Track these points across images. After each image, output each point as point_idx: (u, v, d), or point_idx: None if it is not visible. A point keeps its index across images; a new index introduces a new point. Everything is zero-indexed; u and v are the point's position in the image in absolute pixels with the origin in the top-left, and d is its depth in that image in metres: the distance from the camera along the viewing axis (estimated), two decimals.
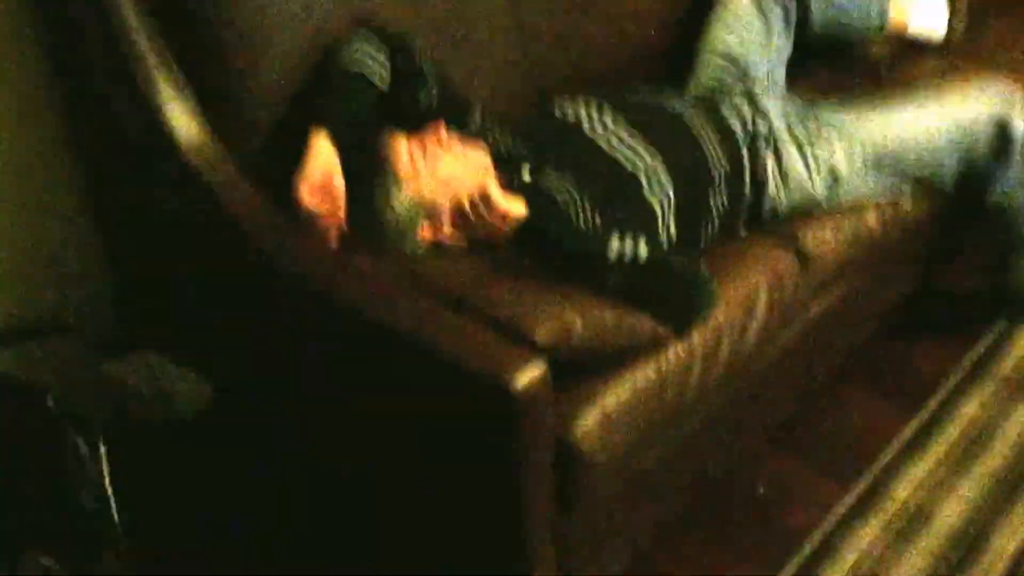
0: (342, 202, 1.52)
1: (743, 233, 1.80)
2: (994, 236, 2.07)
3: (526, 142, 1.71)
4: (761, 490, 1.92)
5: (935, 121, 1.92)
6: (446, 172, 1.57)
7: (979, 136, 1.91)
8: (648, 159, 1.70)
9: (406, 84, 1.65)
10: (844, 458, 1.99)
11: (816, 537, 1.83)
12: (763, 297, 1.67)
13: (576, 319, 1.43)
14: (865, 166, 1.87)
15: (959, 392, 2.13)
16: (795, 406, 1.98)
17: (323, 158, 1.52)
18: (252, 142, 1.61)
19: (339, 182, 1.52)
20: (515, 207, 1.56)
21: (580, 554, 1.56)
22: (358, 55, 1.61)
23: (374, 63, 1.61)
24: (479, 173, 1.60)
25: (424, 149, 1.57)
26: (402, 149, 1.57)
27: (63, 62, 1.67)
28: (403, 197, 1.55)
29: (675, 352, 1.55)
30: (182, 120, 1.55)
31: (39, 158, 1.72)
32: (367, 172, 1.56)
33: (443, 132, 1.58)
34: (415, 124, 1.61)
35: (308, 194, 1.49)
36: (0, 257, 1.73)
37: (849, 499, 1.90)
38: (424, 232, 1.58)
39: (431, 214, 1.57)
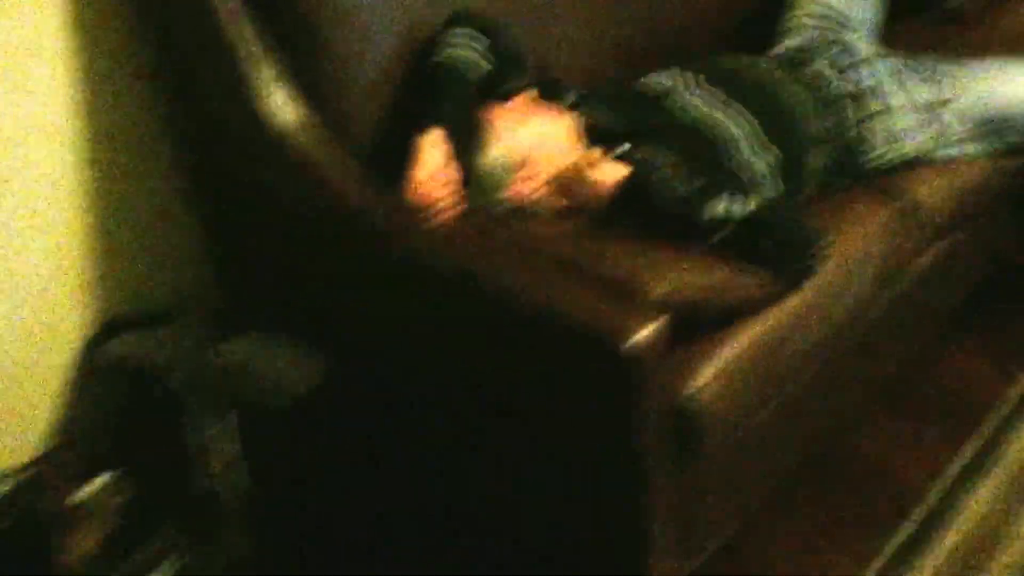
0: (459, 188, 1.54)
1: (847, 184, 1.77)
2: None
3: (620, 115, 1.71)
4: (870, 445, 1.90)
5: None
6: (535, 130, 1.59)
7: None
8: (744, 123, 1.69)
9: (504, 68, 1.67)
10: (952, 416, 1.97)
11: (933, 495, 1.81)
12: (873, 249, 1.65)
13: (689, 275, 1.43)
14: (974, 122, 1.83)
15: None
16: (902, 364, 1.96)
17: (433, 152, 1.54)
18: (354, 132, 1.62)
19: (452, 169, 1.54)
20: (617, 169, 1.56)
21: (697, 513, 1.56)
22: (459, 44, 1.63)
23: (474, 51, 1.63)
24: (570, 134, 1.62)
25: (515, 109, 1.60)
26: (496, 112, 1.60)
27: (162, 54, 1.71)
28: (493, 151, 1.57)
29: (788, 308, 1.53)
30: (285, 105, 1.57)
31: (141, 154, 1.77)
32: (470, 143, 1.57)
33: (533, 95, 1.61)
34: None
35: (425, 186, 1.51)
36: (110, 250, 1.78)
37: (963, 457, 1.87)
38: (517, 187, 1.58)
39: (523, 167, 1.58)
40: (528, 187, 1.58)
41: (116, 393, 1.79)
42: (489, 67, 1.64)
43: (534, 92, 1.62)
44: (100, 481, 1.72)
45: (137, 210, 1.80)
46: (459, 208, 1.55)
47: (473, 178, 1.57)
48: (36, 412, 1.76)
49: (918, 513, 1.78)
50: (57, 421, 1.78)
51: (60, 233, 1.71)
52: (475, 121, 1.59)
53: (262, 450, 1.69)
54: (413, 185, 1.51)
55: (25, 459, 1.72)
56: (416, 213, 1.51)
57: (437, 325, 1.53)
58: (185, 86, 1.71)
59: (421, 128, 1.55)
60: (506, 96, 1.64)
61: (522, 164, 1.57)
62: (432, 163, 1.52)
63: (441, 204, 1.52)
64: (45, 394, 1.76)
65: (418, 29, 1.66)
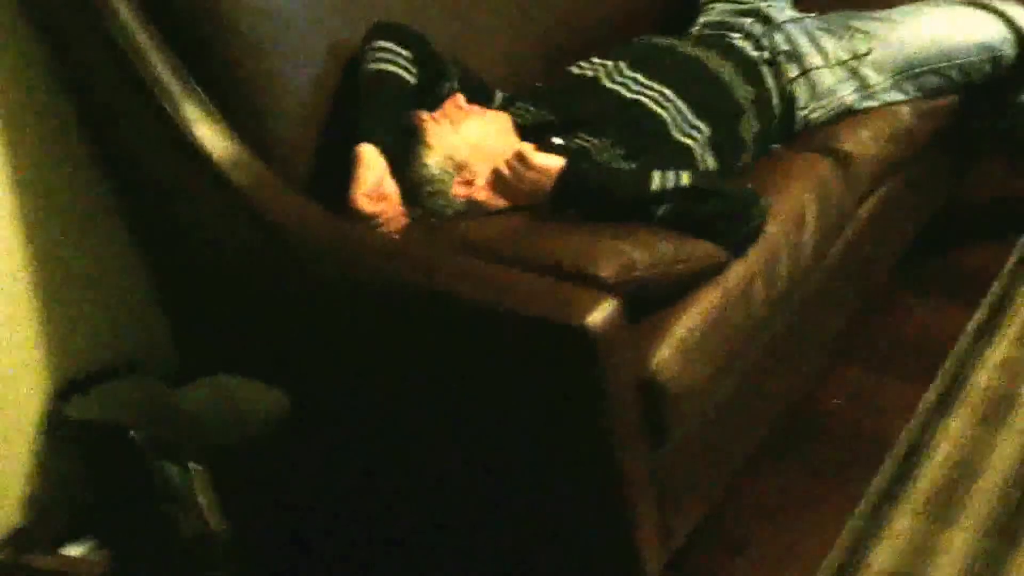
0: (398, 199, 1.55)
1: (777, 148, 1.80)
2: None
3: (548, 107, 1.73)
4: (836, 401, 1.93)
5: (966, 22, 1.92)
6: (469, 131, 1.61)
7: (1007, 38, 1.91)
8: (671, 99, 1.71)
9: (429, 76, 1.68)
10: (913, 360, 2.00)
11: (904, 438, 1.83)
12: (812, 206, 1.67)
13: (636, 252, 1.44)
14: (892, 71, 1.87)
15: (1017, 278, 2.13)
16: (857, 315, 1.98)
17: (371, 165, 1.54)
18: (285, 157, 1.62)
19: (390, 183, 1.55)
20: (552, 160, 1.57)
21: (676, 487, 1.56)
22: (382, 59, 1.63)
23: (398, 64, 1.64)
24: (503, 132, 1.64)
25: (446, 115, 1.61)
26: (427, 118, 1.61)
27: (83, 106, 1.70)
28: (432, 155, 1.58)
29: (735, 273, 1.55)
30: (212, 139, 1.56)
31: (81, 210, 1.75)
32: (406, 153, 1.58)
33: (461, 99, 1.62)
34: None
35: (366, 202, 1.52)
36: (65, 310, 1.76)
37: (930, 396, 1.90)
38: (458, 189, 1.60)
39: (462, 170, 1.59)
40: (468, 189, 1.59)
41: (81, 453, 1.77)
42: (414, 78, 1.65)
43: (461, 97, 1.63)
44: (77, 550, 1.71)
45: (84, 268, 1.77)
46: (402, 220, 1.56)
47: (413, 187, 1.58)
48: (10, 481, 1.73)
49: (894, 455, 1.80)
50: (27, 490, 1.75)
51: (7, 296, 1.68)
52: (408, 131, 1.60)
53: (236, 490, 1.67)
54: (353, 202, 1.51)
55: (7, 530, 1.69)
56: (360, 228, 1.51)
57: (393, 338, 1.53)
58: (113, 135, 1.70)
59: (354, 145, 1.55)
60: (435, 104, 1.65)
61: (460, 167, 1.59)
62: (370, 179, 1.53)
63: (383, 218, 1.53)
64: (17, 462, 1.73)
65: (338, 47, 1.67)
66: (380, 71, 1.62)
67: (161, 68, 1.53)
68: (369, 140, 1.55)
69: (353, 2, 1.71)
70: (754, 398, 1.69)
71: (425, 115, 1.61)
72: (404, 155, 1.59)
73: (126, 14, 1.52)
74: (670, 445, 1.49)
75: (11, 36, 1.61)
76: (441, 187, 1.58)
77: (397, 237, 1.55)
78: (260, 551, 1.72)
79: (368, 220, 1.52)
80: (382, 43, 1.65)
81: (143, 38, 1.53)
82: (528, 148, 1.57)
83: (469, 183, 1.60)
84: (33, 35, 1.63)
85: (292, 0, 1.64)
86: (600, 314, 1.31)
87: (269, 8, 1.61)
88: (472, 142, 1.60)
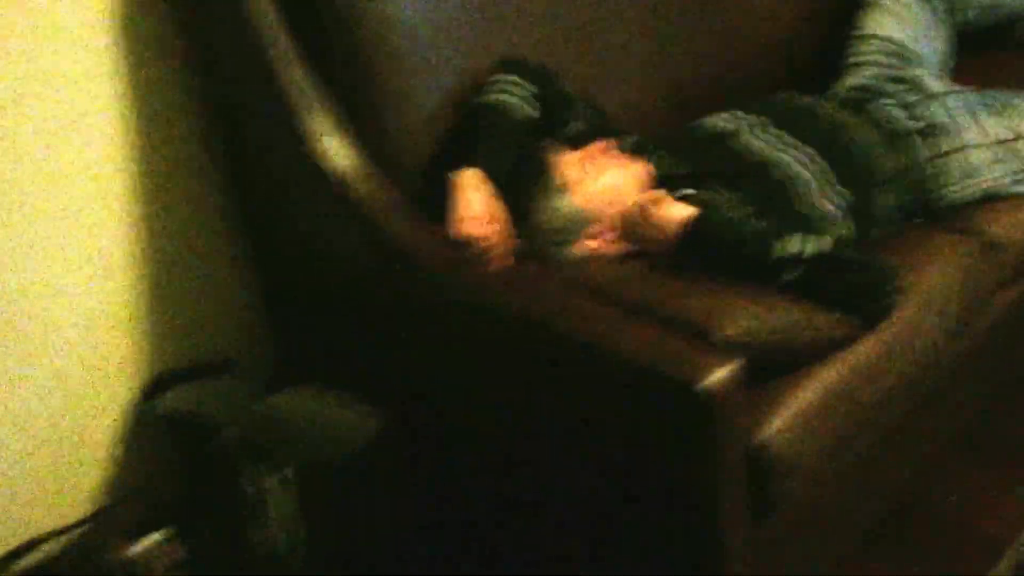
0: (506, 224, 1.51)
1: (920, 223, 1.72)
2: None
3: (682, 158, 1.67)
4: (952, 498, 1.82)
5: None
6: (610, 182, 1.55)
7: None
8: (817, 162, 1.64)
9: (555, 113, 1.65)
10: None
11: (1019, 546, 1.72)
12: (950, 289, 1.58)
13: (763, 315, 1.37)
14: None
15: None
16: (983, 410, 1.88)
17: (473, 190, 1.50)
18: (404, 175, 1.59)
19: (499, 208, 1.51)
20: (684, 209, 1.51)
21: (777, 567, 1.48)
22: (502, 90, 1.60)
23: (518, 96, 1.60)
24: (641, 185, 1.58)
25: (590, 160, 1.56)
26: (567, 158, 1.55)
27: (218, 107, 1.70)
28: (567, 205, 1.53)
29: (863, 349, 1.47)
30: (340, 151, 1.55)
31: (193, 206, 1.75)
32: (531, 185, 1.54)
33: (606, 144, 1.57)
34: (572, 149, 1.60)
35: (474, 224, 1.47)
36: (166, 303, 1.76)
37: None
38: (585, 242, 1.55)
39: (593, 223, 1.54)
40: (595, 243, 1.55)
41: (169, 448, 1.75)
42: (534, 113, 1.61)
43: (608, 142, 1.58)
44: (154, 538, 1.68)
45: (188, 261, 1.77)
46: (507, 249, 1.50)
47: (537, 224, 1.53)
48: (89, 469, 1.73)
49: (1005, 566, 1.69)
50: (110, 477, 1.75)
51: (110, 287, 1.68)
52: (540, 164, 1.56)
53: (320, 505, 1.64)
54: (456, 224, 1.47)
55: (78, 516, 1.68)
56: (465, 252, 1.47)
57: (499, 372, 1.49)
58: (239, 136, 1.70)
59: (459, 169, 1.52)
60: (576, 141, 1.60)
61: (592, 220, 1.54)
62: (474, 202, 1.49)
63: (486, 243, 1.48)
64: (98, 450, 1.73)
65: (471, 72, 1.64)
66: (499, 100, 1.59)
67: (299, 76, 1.53)
68: (473, 166, 1.51)
69: (492, 31, 1.68)
70: (866, 483, 1.60)
71: (566, 153, 1.56)
72: (516, 185, 1.54)
73: (271, 19, 1.52)
74: (775, 521, 1.42)
75: (151, 40, 1.62)
76: (568, 236, 1.53)
77: (506, 266, 1.50)
78: (333, 570, 1.69)
79: (474, 244, 1.47)
80: (506, 76, 1.62)
81: (284, 43, 1.52)
82: (661, 195, 1.52)
83: (598, 236, 1.55)
84: (172, 38, 1.64)
85: (434, 20, 1.62)
86: (719, 376, 1.25)
87: (411, 25, 1.59)
88: (610, 195, 1.54)
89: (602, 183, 1.54)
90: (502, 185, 1.53)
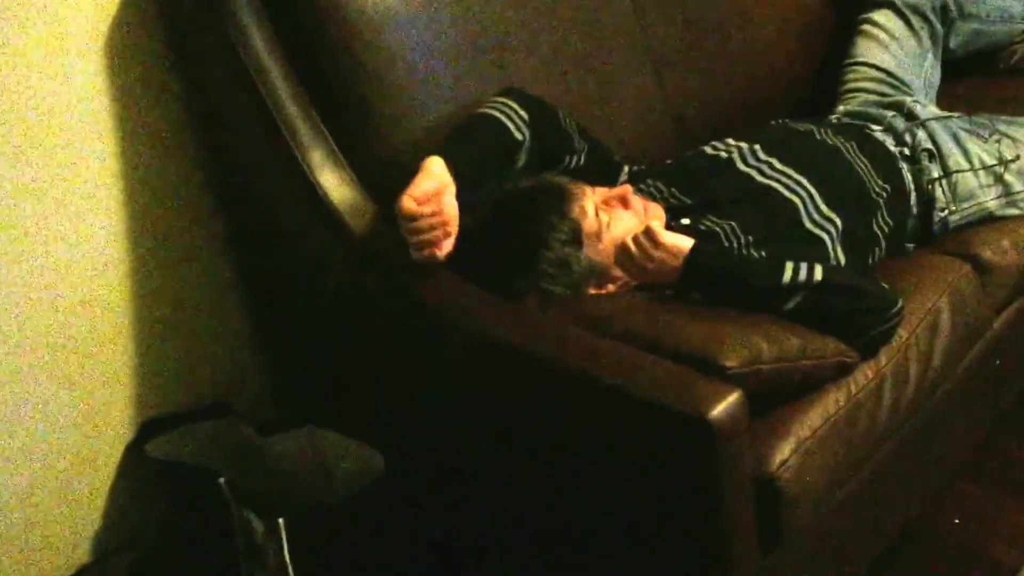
0: (451, 220, 1.44)
1: (912, 248, 1.73)
2: None
3: (679, 186, 1.67)
4: (956, 520, 1.82)
5: None
6: (623, 231, 1.54)
7: None
8: (805, 187, 1.65)
9: (553, 145, 1.64)
10: None
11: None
12: (945, 312, 1.59)
13: (763, 344, 1.36)
14: None
15: None
16: (988, 433, 1.88)
17: (435, 176, 1.45)
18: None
19: (451, 201, 1.44)
20: (682, 240, 1.50)
21: None
22: (493, 105, 1.59)
23: (508, 112, 1.59)
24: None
25: (611, 211, 1.55)
26: (590, 208, 1.54)
27: (211, 147, 1.70)
28: (583, 258, 1.51)
29: (863, 375, 1.47)
30: (339, 186, 1.54)
31: (195, 249, 1.75)
32: (546, 232, 1.51)
33: (626, 191, 1.57)
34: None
35: (409, 202, 1.42)
36: (162, 347, 1.74)
37: None
38: (591, 290, 1.54)
39: (602, 274, 1.54)
40: (599, 291, 1.54)
41: (160, 494, 1.73)
42: (519, 136, 1.58)
43: (628, 189, 1.57)
44: None
45: (183, 302, 1.76)
46: (449, 245, 1.45)
47: (560, 276, 1.50)
48: (86, 514, 1.71)
49: None
50: (107, 523, 1.73)
51: (106, 328, 1.67)
52: (555, 207, 1.52)
53: (312, 551, 1.61)
54: (402, 200, 1.42)
55: (75, 566, 1.66)
56: (401, 227, 1.43)
57: (501, 408, 1.48)
58: (234, 169, 1.71)
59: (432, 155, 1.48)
60: (575, 176, 1.59)
61: (605, 267, 1.53)
62: (422, 184, 1.43)
63: (424, 227, 1.43)
64: (94, 495, 1.71)
65: (468, 107, 1.63)
66: (487, 113, 1.57)
67: (292, 109, 1.53)
68: (438, 158, 1.47)
69: (489, 54, 1.69)
70: (873, 510, 1.59)
71: (589, 202, 1.53)
72: (484, 194, 1.51)
73: (259, 48, 1.53)
74: (784, 549, 1.41)
75: (147, 68, 1.62)
76: (579, 284, 1.51)
77: (441, 256, 1.45)
78: None
79: (407, 223, 1.42)
80: (502, 99, 1.61)
81: (277, 74, 1.52)
82: (658, 226, 1.51)
83: (604, 285, 1.54)
84: (168, 67, 1.64)
85: (430, 50, 1.63)
86: (723, 406, 1.24)
87: (404, 51, 1.60)
88: (620, 239, 1.52)
89: (613, 232, 1.53)
90: (471, 181, 1.49)
